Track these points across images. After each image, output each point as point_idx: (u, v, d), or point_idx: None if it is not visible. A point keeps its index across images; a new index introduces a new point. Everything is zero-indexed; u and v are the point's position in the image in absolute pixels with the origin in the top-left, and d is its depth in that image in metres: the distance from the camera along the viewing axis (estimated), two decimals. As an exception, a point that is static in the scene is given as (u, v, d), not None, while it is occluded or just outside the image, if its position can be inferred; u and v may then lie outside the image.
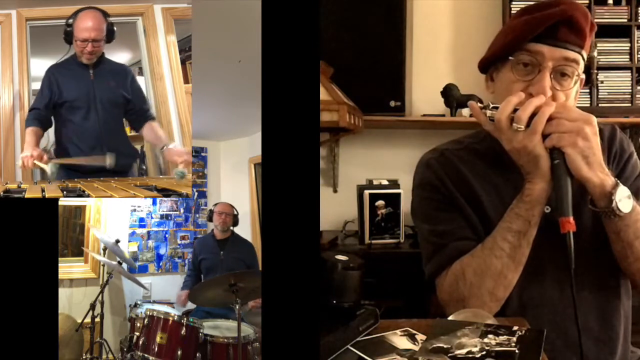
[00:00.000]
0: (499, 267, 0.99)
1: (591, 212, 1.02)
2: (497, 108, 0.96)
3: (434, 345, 0.80)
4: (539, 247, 1.01)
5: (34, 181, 1.83)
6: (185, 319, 2.18)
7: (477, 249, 1.04)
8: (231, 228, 2.98)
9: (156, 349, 2.10)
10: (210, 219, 3.03)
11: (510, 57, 1.02)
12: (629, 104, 2.77)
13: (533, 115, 0.93)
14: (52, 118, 1.85)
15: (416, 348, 0.84)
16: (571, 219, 0.88)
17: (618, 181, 0.94)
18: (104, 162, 1.73)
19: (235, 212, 2.98)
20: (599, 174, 0.92)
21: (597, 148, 0.92)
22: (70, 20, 1.78)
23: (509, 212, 1.00)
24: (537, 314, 1.05)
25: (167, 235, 3.42)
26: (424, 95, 2.93)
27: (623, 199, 0.93)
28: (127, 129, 2.06)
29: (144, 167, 2.26)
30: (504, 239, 0.99)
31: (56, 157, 1.82)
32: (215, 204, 3.03)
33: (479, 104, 1.00)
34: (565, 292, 1.05)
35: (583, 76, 1.06)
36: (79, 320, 2.60)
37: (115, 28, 1.83)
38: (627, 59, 2.78)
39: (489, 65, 1.11)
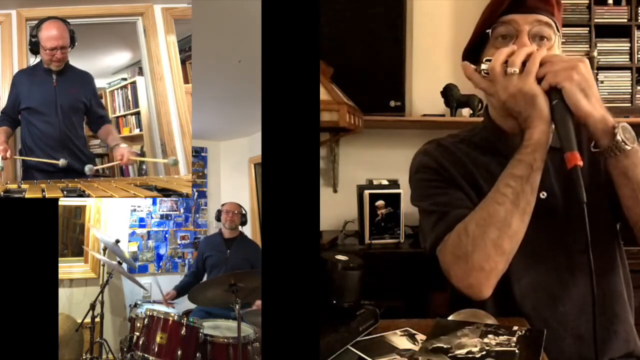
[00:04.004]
0: (502, 214, 0.95)
1: (590, 193, 1.01)
2: (490, 61, 0.99)
3: (434, 345, 0.80)
4: (536, 234, 1.01)
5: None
6: (185, 319, 2.18)
7: (479, 205, 1.01)
8: (239, 228, 2.98)
9: (156, 349, 2.10)
10: (218, 218, 3.03)
11: (487, 31, 1.07)
12: (629, 104, 2.77)
13: (525, 64, 0.95)
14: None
15: (416, 348, 0.84)
16: (577, 153, 0.87)
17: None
18: (58, 162, 1.86)
19: (243, 212, 2.98)
20: (599, 109, 0.92)
21: (593, 83, 0.92)
22: (35, 32, 1.87)
23: (511, 160, 0.98)
24: (536, 300, 1.05)
25: (167, 235, 3.42)
26: (424, 95, 2.93)
27: (626, 133, 0.92)
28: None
29: (144, 167, 2.27)
30: (506, 184, 0.96)
31: (20, 156, 1.95)
32: (223, 204, 3.03)
33: (472, 66, 1.03)
34: (564, 278, 1.05)
35: (560, 42, 1.09)
36: (79, 320, 2.60)
37: (75, 35, 1.91)
38: (627, 59, 2.78)
39: (472, 61, 1.12)
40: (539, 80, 0.94)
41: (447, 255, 1.02)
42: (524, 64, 0.95)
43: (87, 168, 1.88)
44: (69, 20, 1.90)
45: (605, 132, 0.92)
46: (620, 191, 0.98)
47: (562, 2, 1.11)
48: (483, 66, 1.00)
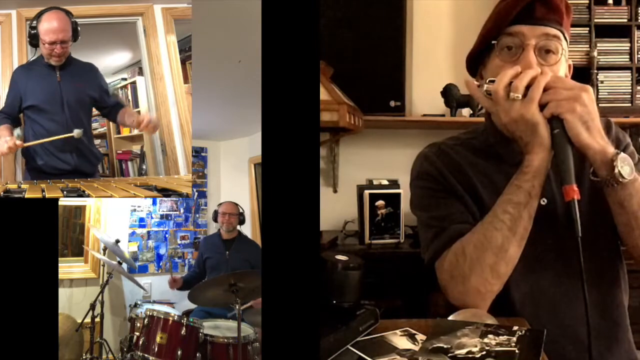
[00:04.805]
0: (500, 240, 0.97)
1: (587, 204, 1.02)
2: (493, 81, 0.98)
3: (434, 345, 0.80)
4: (535, 241, 1.01)
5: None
6: (185, 319, 2.18)
7: (477, 225, 1.03)
8: (238, 227, 2.97)
9: (156, 349, 2.10)
10: (215, 219, 3.02)
11: (493, 42, 1.05)
12: (629, 104, 2.77)
13: (529, 87, 0.94)
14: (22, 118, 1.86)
15: (416, 348, 0.84)
16: (575, 186, 0.87)
17: (618, 150, 0.94)
18: (73, 134, 1.75)
19: (241, 211, 2.97)
20: (599, 141, 0.92)
21: (595, 114, 0.92)
22: (34, 23, 1.75)
23: (510, 185, 0.99)
24: (536, 308, 1.05)
25: (167, 235, 3.42)
26: (424, 95, 2.93)
27: (625, 165, 0.92)
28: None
29: (144, 167, 2.27)
30: (504, 211, 0.97)
31: (24, 158, 1.86)
32: (220, 204, 3.02)
33: (476, 83, 1.03)
34: (563, 284, 1.06)
35: (570, 62, 1.09)
36: (79, 320, 2.60)
37: (79, 27, 1.80)
38: (627, 59, 2.78)
39: (476, 64, 1.14)
40: (542, 105, 0.93)
41: (444, 273, 1.05)
42: (528, 86, 0.94)
43: (76, 132, 1.75)
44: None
45: (603, 164, 0.93)
46: (616, 219, 1.00)
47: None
48: (486, 87, 0.99)
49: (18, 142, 1.73)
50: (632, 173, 0.93)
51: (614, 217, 1.00)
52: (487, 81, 0.99)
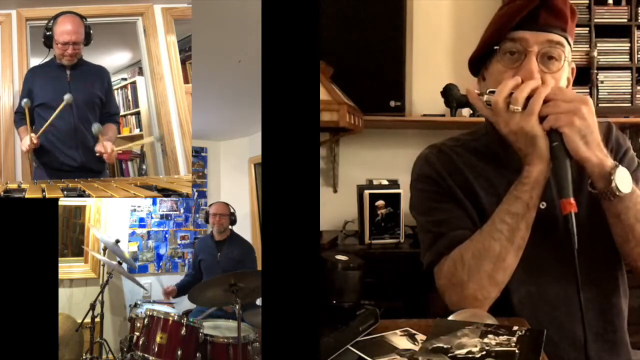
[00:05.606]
0: (497, 249, 0.98)
1: (587, 210, 1.03)
2: (494, 92, 0.98)
3: (434, 345, 0.80)
4: (535, 245, 1.01)
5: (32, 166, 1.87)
6: (185, 319, 2.18)
7: (475, 233, 1.03)
8: (230, 228, 2.97)
9: (156, 349, 2.11)
10: (207, 220, 3.02)
11: (495, 47, 1.04)
12: (629, 104, 2.77)
13: (529, 98, 0.94)
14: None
15: (416, 348, 0.84)
16: (572, 199, 0.88)
17: (617, 163, 0.94)
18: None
19: (232, 211, 2.97)
20: (598, 154, 0.93)
21: (595, 127, 0.93)
22: (50, 25, 1.85)
23: (508, 195, 1.00)
24: (535, 310, 1.05)
25: (167, 235, 3.42)
26: (424, 95, 2.93)
27: (622, 179, 0.93)
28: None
29: (144, 167, 2.27)
30: (502, 221, 0.98)
31: (35, 155, 1.90)
32: (211, 205, 3.02)
33: (476, 91, 1.02)
34: (563, 288, 1.06)
35: (573, 65, 1.08)
36: (79, 320, 2.60)
37: (91, 31, 1.91)
38: (627, 59, 2.78)
39: (479, 65, 1.13)
40: (542, 117, 0.93)
41: (442, 279, 1.06)
42: (528, 97, 0.94)
43: (96, 126, 1.83)
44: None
45: (601, 177, 0.93)
46: (612, 230, 1.01)
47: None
48: (486, 97, 0.99)
49: (35, 140, 1.80)
50: (630, 186, 0.94)
51: (611, 227, 1.01)
52: (488, 92, 0.99)
